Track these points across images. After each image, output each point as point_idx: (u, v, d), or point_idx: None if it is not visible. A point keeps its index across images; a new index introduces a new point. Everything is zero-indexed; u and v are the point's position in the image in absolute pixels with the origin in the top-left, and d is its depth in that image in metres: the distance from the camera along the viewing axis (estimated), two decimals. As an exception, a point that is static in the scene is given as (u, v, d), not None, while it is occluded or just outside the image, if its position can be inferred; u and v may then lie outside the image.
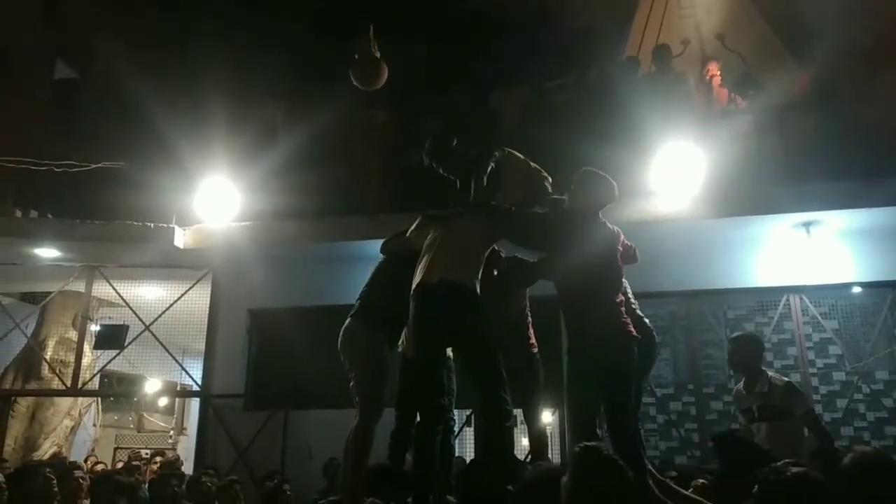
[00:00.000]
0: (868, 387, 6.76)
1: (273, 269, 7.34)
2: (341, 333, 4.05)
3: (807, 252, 6.67)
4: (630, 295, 4.11)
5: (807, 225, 6.54)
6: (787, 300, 6.88)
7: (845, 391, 6.86)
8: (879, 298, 6.85)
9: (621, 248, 4.02)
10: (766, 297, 7.01)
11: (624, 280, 4.02)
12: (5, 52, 8.12)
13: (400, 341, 4.18)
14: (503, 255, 4.35)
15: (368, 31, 5.43)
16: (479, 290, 3.78)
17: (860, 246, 6.71)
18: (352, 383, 3.98)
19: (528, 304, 4.37)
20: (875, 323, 6.82)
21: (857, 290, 6.90)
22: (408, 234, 4.24)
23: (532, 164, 4.50)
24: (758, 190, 6.32)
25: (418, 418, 3.80)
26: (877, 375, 6.94)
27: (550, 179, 4.41)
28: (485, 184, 4.29)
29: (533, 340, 4.31)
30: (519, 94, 7.18)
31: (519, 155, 4.52)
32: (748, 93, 7.15)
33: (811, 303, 6.86)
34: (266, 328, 7.54)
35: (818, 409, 6.83)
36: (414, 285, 3.81)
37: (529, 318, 4.35)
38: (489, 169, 4.34)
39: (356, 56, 5.42)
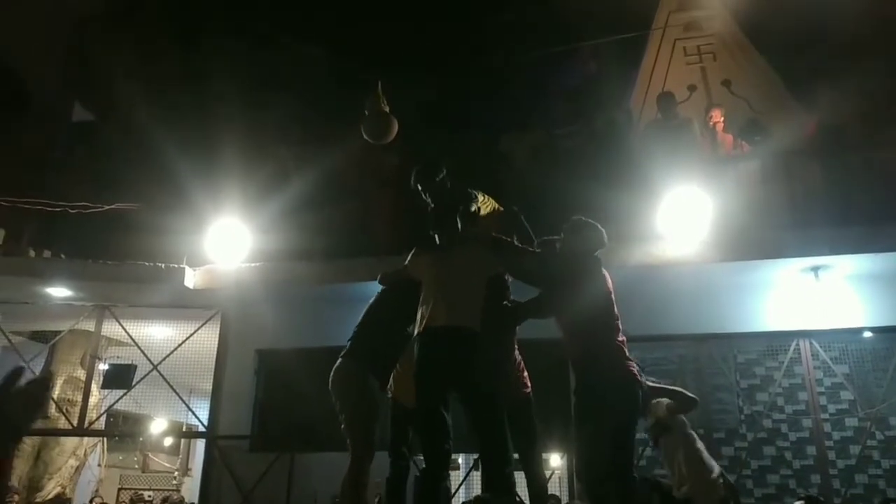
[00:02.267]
0: (882, 433, 6.68)
1: (282, 310, 7.37)
2: (333, 373, 4.05)
3: (816, 297, 6.65)
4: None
5: (815, 269, 6.54)
6: (797, 345, 6.84)
7: (858, 437, 6.77)
8: (891, 343, 6.80)
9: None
10: (776, 342, 6.97)
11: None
12: (28, 94, 8.32)
13: (388, 385, 4.16)
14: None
15: (377, 86, 5.48)
16: (479, 329, 3.77)
17: (870, 291, 6.69)
18: (343, 424, 3.97)
19: (515, 344, 4.33)
20: (887, 368, 6.75)
21: (867, 334, 6.85)
22: (405, 265, 4.25)
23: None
24: (765, 234, 6.35)
25: (424, 464, 3.77)
26: (891, 422, 6.85)
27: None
28: (462, 221, 4.24)
29: (526, 381, 4.28)
30: (529, 138, 7.28)
31: (493, 201, 4.52)
32: (754, 139, 7.22)
33: (821, 347, 6.81)
34: (274, 369, 7.53)
35: (831, 455, 6.76)
36: (418, 330, 3.82)
37: (519, 359, 4.31)
38: (470, 207, 4.32)
39: (366, 112, 5.47)
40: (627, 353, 3.82)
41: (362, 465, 3.85)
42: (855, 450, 6.72)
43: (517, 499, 3.97)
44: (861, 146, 6.87)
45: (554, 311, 4.00)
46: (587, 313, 3.82)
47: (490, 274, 4.07)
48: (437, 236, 4.21)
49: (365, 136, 5.49)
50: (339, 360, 4.07)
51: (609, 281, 4.12)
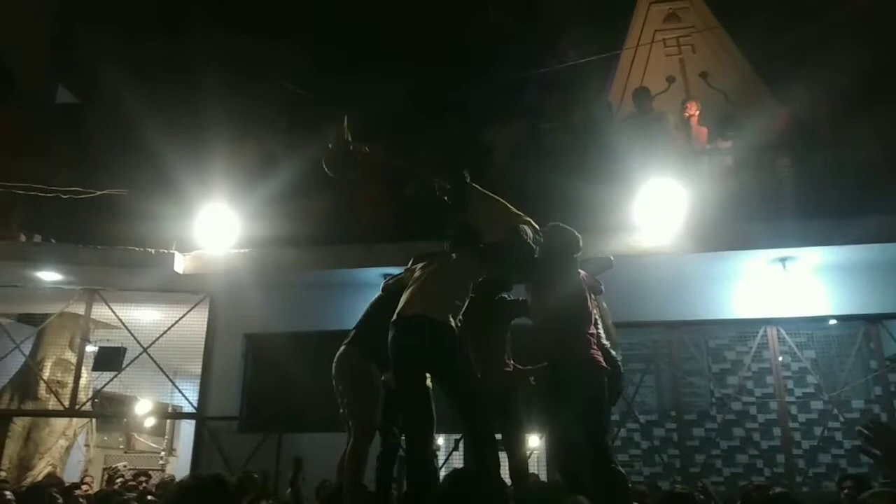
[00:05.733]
0: (843, 415, 7.00)
1: (269, 295, 7.53)
2: (336, 359, 4.25)
3: (783, 286, 6.93)
4: (601, 329, 4.30)
5: (783, 260, 6.80)
6: (765, 331, 7.10)
7: (822, 419, 7.10)
8: (854, 330, 7.11)
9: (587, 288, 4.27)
10: (746, 328, 7.26)
11: (596, 316, 4.24)
12: (13, 76, 8.34)
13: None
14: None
15: (343, 121, 5.35)
16: (455, 326, 3.89)
17: (835, 281, 6.97)
18: (342, 409, 4.17)
19: (506, 335, 4.51)
20: (850, 354, 7.06)
21: (832, 322, 7.16)
22: (403, 273, 4.45)
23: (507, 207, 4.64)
24: (736, 226, 6.60)
25: (405, 446, 3.95)
26: (853, 404, 7.21)
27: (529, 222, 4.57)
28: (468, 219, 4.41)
29: (509, 366, 4.46)
30: (509, 132, 7.44)
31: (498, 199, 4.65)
32: (728, 134, 7.43)
33: (788, 334, 7.09)
34: (261, 352, 7.69)
35: (797, 437, 7.09)
36: (393, 317, 3.96)
37: (507, 344, 4.49)
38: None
39: (329, 145, 5.36)
40: (594, 344, 4.02)
41: (362, 445, 4.07)
42: (819, 431, 7.05)
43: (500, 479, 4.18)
44: (829, 142, 7.12)
45: (532, 314, 4.24)
46: (559, 311, 4.01)
47: (476, 281, 4.20)
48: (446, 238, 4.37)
49: (325, 168, 5.33)
50: (343, 346, 4.26)
51: (585, 282, 4.31)
